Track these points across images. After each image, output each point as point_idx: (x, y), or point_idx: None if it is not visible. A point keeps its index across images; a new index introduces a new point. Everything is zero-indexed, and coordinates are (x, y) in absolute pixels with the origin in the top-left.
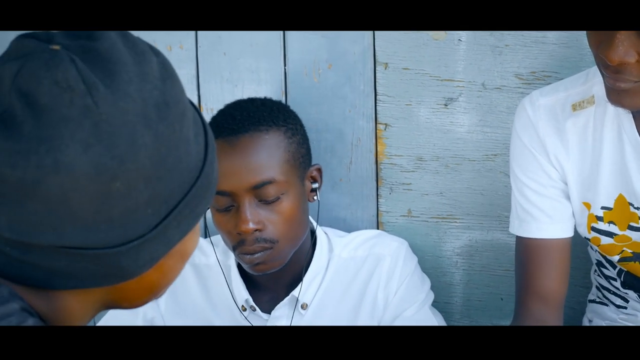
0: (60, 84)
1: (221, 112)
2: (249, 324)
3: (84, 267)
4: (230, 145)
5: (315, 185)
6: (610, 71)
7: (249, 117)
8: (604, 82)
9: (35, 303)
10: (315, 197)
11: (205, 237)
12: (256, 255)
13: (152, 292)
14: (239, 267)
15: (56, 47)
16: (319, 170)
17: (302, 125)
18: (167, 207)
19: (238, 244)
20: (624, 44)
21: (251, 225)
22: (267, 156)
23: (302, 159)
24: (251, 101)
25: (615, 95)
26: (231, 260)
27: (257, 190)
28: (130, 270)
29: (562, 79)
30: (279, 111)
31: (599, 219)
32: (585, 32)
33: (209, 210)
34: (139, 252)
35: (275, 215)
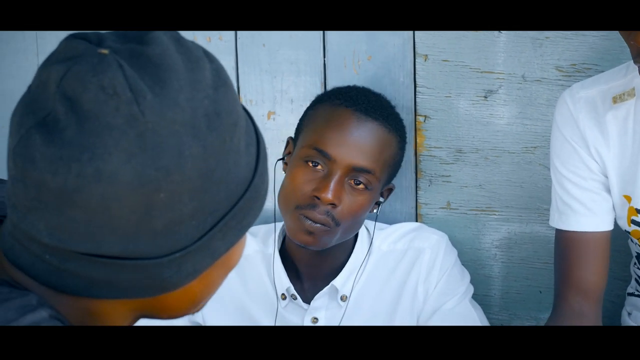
0: (107, 90)
1: (355, 89)
2: (288, 313)
3: (125, 278)
4: (359, 120)
5: (381, 200)
6: None
7: (382, 108)
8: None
9: (68, 310)
10: (375, 210)
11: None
12: (316, 225)
13: (193, 303)
14: (282, 255)
15: (104, 51)
16: (391, 190)
17: (406, 145)
18: (212, 219)
19: (307, 205)
20: None
21: (331, 197)
22: (380, 150)
23: (393, 172)
24: (384, 97)
25: None
26: (272, 249)
27: (354, 172)
28: (172, 282)
29: (602, 71)
30: (401, 122)
31: (639, 211)
32: None
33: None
34: (182, 264)
35: (352, 201)
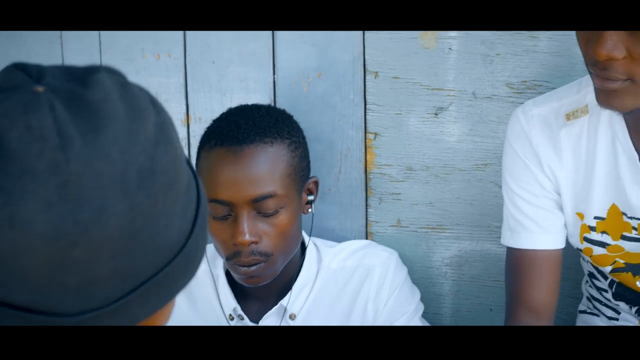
0: (33, 132)
1: (225, 119)
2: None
3: None
4: (234, 154)
5: (311, 198)
6: (598, 68)
7: (254, 126)
8: (593, 84)
9: None
10: (310, 210)
11: None
12: (251, 268)
13: None
14: (227, 275)
15: (40, 88)
16: (316, 182)
17: (304, 138)
18: (133, 282)
19: (233, 255)
20: (612, 38)
21: (248, 238)
22: (269, 169)
23: (302, 172)
24: (257, 109)
25: (604, 97)
26: (219, 269)
27: (257, 203)
28: None
29: (553, 88)
30: (284, 122)
31: (592, 229)
32: (575, 37)
33: None
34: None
35: (272, 229)
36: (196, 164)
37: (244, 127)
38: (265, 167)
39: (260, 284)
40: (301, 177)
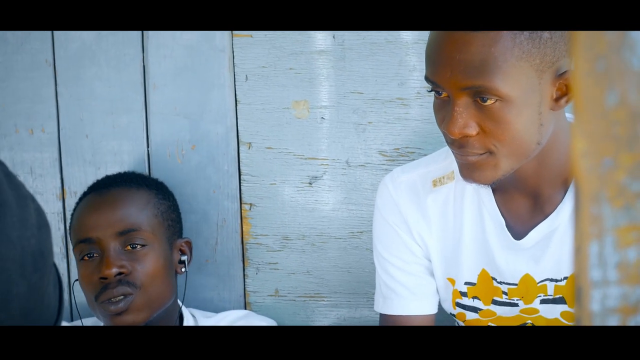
0: None
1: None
2: None
3: None
4: (101, 196)
5: (184, 258)
6: (455, 146)
7: (122, 176)
8: (455, 159)
9: None
10: (183, 269)
11: (72, 320)
12: (120, 305)
13: None
14: None
15: None
16: (189, 243)
17: (174, 199)
18: None
19: (100, 292)
20: (462, 116)
21: (114, 270)
22: (135, 208)
23: (171, 222)
24: (133, 173)
25: (466, 170)
26: None
27: (123, 237)
28: None
29: (426, 154)
30: (153, 180)
31: (463, 294)
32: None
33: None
34: None
35: (140, 264)
36: (70, 226)
37: (112, 177)
38: (130, 206)
39: (130, 322)
40: (170, 226)
